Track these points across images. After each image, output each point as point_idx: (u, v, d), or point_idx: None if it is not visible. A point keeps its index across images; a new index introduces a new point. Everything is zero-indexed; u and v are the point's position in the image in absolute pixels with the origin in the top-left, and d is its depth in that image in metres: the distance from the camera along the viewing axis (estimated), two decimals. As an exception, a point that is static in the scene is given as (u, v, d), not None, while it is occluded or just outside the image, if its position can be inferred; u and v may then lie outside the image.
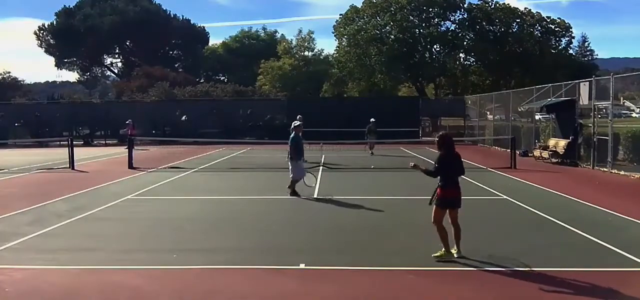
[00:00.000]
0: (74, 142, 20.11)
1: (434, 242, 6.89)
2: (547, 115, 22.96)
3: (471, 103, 34.90)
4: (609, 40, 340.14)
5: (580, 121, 18.96)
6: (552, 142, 20.32)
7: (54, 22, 63.57)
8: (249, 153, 25.20)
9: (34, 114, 37.35)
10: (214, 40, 75.01)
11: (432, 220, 6.85)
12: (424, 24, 46.73)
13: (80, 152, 22.88)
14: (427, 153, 24.53)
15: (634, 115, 34.25)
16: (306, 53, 54.70)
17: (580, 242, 7.87)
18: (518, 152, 21.03)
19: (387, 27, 46.26)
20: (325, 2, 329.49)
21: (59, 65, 66.46)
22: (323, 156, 21.05)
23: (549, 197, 12.01)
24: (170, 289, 5.93)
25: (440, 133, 7.86)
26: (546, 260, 6.77)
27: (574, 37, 48.68)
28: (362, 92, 49.45)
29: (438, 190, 6.86)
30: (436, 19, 47.14)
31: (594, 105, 17.77)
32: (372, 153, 24.77)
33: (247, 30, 69.30)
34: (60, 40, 62.36)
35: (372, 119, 25.09)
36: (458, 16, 47.14)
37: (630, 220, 9.23)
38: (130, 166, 18.37)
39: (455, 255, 6.75)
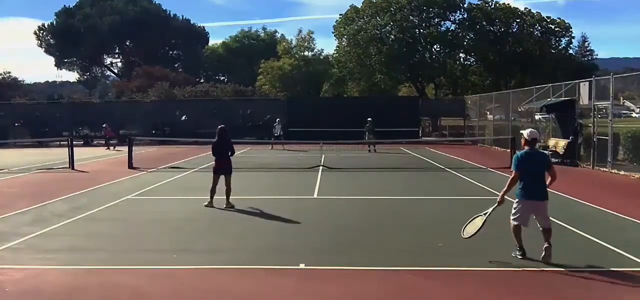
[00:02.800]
0: (73, 142, 20.10)
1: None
2: (547, 115, 22.94)
3: (471, 103, 34.89)
4: (609, 40, 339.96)
5: (580, 121, 18.96)
6: (551, 142, 20.31)
7: (54, 22, 63.51)
8: (249, 153, 25.19)
9: (34, 114, 37.33)
10: (214, 40, 75.18)
11: None
12: (424, 24, 46.70)
13: (80, 152, 22.87)
14: (427, 153, 24.58)
15: (634, 115, 34.21)
16: (306, 53, 54.71)
17: (580, 242, 7.87)
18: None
19: (387, 27, 46.23)
20: (325, 2, 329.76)
21: (59, 65, 66.42)
22: (323, 156, 21.03)
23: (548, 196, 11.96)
24: (170, 289, 5.93)
25: None
26: (546, 260, 6.76)
27: (573, 37, 48.72)
28: (362, 92, 49.46)
29: None
30: (436, 19, 47.10)
31: (594, 105, 17.76)
32: (369, 151, 24.80)
33: (247, 30, 69.41)
34: (60, 40, 62.32)
35: (369, 118, 25.10)
36: (458, 16, 47.15)
37: (630, 220, 9.23)
38: (130, 166, 18.38)
39: None
